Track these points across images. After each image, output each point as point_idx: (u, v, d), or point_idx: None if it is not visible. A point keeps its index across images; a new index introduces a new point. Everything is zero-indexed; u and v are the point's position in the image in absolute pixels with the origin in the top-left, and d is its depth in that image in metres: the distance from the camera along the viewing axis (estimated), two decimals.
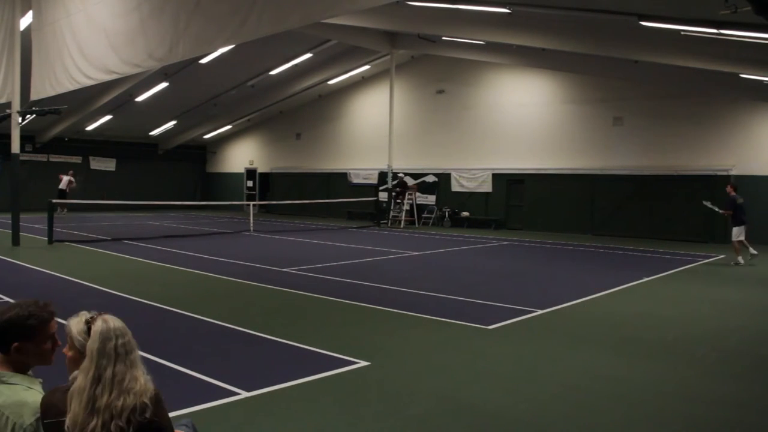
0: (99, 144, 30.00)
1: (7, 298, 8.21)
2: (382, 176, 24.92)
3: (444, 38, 19.80)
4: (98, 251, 14.01)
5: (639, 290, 10.06)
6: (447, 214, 23.75)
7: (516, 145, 22.38)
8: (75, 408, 2.12)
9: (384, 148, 23.66)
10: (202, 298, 8.85)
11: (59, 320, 2.42)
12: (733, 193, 13.76)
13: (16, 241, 14.56)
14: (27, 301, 2.37)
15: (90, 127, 28.23)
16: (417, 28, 18.73)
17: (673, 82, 17.78)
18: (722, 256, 14.82)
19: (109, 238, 16.58)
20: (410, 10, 16.46)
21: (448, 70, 23.76)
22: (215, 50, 18.53)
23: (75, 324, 2.27)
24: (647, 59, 15.26)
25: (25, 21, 15.33)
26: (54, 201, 16.46)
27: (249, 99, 27.85)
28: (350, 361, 5.74)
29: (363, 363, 5.68)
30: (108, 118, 27.01)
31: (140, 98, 24.95)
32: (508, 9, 13.93)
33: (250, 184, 32.54)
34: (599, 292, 9.67)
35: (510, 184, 22.58)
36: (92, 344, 2.16)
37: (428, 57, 24.02)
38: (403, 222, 23.41)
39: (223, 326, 7.06)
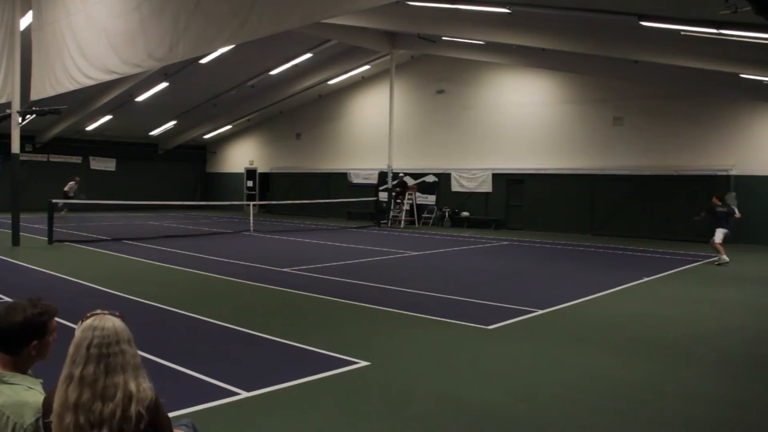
0: (99, 144, 30.00)
1: (7, 298, 8.21)
2: (382, 176, 24.92)
3: (444, 38, 19.79)
4: (98, 251, 14.01)
5: (639, 290, 10.06)
6: (447, 214, 23.75)
7: (516, 145, 22.38)
8: (55, 402, 2.13)
9: (384, 148, 23.66)
10: (202, 298, 8.85)
11: (58, 320, 2.44)
12: (719, 202, 14.35)
13: (16, 241, 14.56)
14: (27, 300, 2.38)
15: (90, 127, 28.24)
16: (417, 28, 18.73)
17: (673, 82, 17.78)
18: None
19: (109, 238, 16.58)
20: (410, 10, 16.45)
21: (448, 70, 23.76)
22: (215, 50, 18.53)
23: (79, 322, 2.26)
24: (647, 59, 15.26)
25: (25, 21, 15.33)
26: (55, 200, 16.50)
27: (249, 99, 27.85)
28: (350, 361, 5.74)
29: (363, 363, 5.68)
30: (108, 118, 27.01)
31: (140, 98, 24.95)
32: (508, 9, 13.93)
33: (250, 184, 32.54)
34: (599, 292, 9.66)
35: (510, 184, 22.58)
36: (73, 340, 2.15)
37: (428, 57, 24.02)
38: (403, 222, 23.41)
39: (223, 326, 7.06)
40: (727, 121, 18.36)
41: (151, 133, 30.70)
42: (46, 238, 14.99)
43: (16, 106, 14.87)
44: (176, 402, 4.42)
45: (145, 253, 13.56)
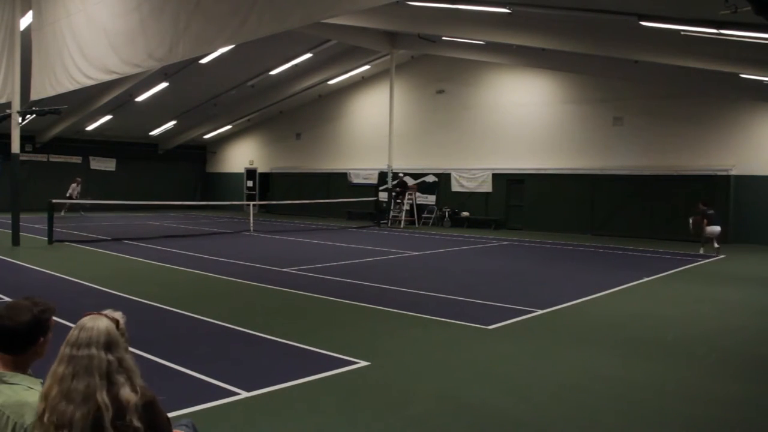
0: (99, 144, 29.99)
1: (7, 298, 8.21)
2: (382, 176, 24.92)
3: (444, 38, 19.79)
4: (98, 251, 14.01)
5: (639, 290, 10.05)
6: (447, 214, 23.75)
7: (516, 145, 22.38)
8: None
9: (384, 148, 23.66)
10: (202, 298, 8.85)
11: (55, 318, 2.45)
12: (703, 207, 15.57)
13: (16, 241, 14.56)
14: (26, 300, 2.39)
15: (90, 127, 28.23)
16: (417, 28, 18.73)
17: (673, 82, 17.78)
18: (722, 256, 14.82)
19: (109, 238, 16.58)
20: (410, 10, 16.45)
21: (448, 70, 23.76)
22: (215, 50, 18.53)
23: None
24: (647, 59, 15.26)
25: (25, 21, 15.33)
26: (56, 201, 16.57)
27: (249, 99, 27.85)
28: (350, 361, 5.74)
29: (363, 363, 5.68)
30: (108, 118, 27.01)
31: (140, 98, 24.95)
32: (508, 9, 13.93)
33: (250, 184, 32.54)
34: (599, 292, 9.66)
35: (510, 184, 22.57)
36: (67, 338, 2.14)
37: (428, 57, 24.02)
38: (403, 222, 23.41)
39: (223, 326, 7.06)
40: (727, 121, 18.36)
41: (151, 133, 30.69)
42: (46, 238, 14.99)
43: (16, 106, 14.87)
44: (176, 402, 4.42)
45: (145, 253, 13.56)
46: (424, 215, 24.41)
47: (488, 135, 23.13)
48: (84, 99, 23.18)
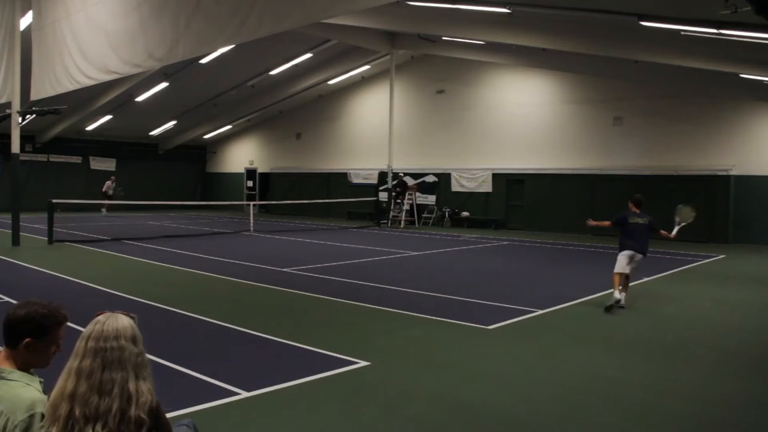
0: (99, 144, 29.99)
1: (7, 298, 8.21)
2: (382, 176, 24.92)
3: (444, 38, 19.79)
4: (98, 251, 14.01)
5: (639, 290, 10.05)
6: (447, 214, 23.75)
7: (516, 145, 22.38)
8: (51, 393, 2.12)
9: (384, 148, 23.65)
10: (202, 298, 8.85)
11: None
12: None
13: (16, 241, 14.56)
14: (42, 301, 2.41)
15: (90, 127, 28.24)
16: (417, 28, 18.73)
17: (673, 82, 17.78)
18: (722, 256, 14.82)
19: (109, 238, 16.58)
20: (410, 10, 16.45)
21: (448, 70, 23.75)
22: (215, 50, 18.53)
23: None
24: (647, 59, 15.26)
25: (25, 21, 15.32)
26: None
27: (249, 99, 27.84)
28: (350, 361, 5.74)
29: (363, 363, 5.68)
30: (108, 118, 27.01)
31: (140, 98, 24.94)
32: (508, 9, 13.93)
33: (250, 184, 32.54)
34: (599, 292, 9.66)
35: (510, 184, 22.57)
36: (83, 333, 2.15)
37: (428, 57, 24.01)
38: (403, 222, 23.40)
39: (224, 326, 7.06)
40: (727, 121, 18.36)
41: (151, 133, 30.69)
42: (46, 238, 14.99)
43: (16, 106, 14.87)
44: (176, 402, 4.42)
45: (145, 253, 13.56)
46: (424, 215, 24.41)
47: (488, 135, 23.13)
48: (84, 99, 23.17)
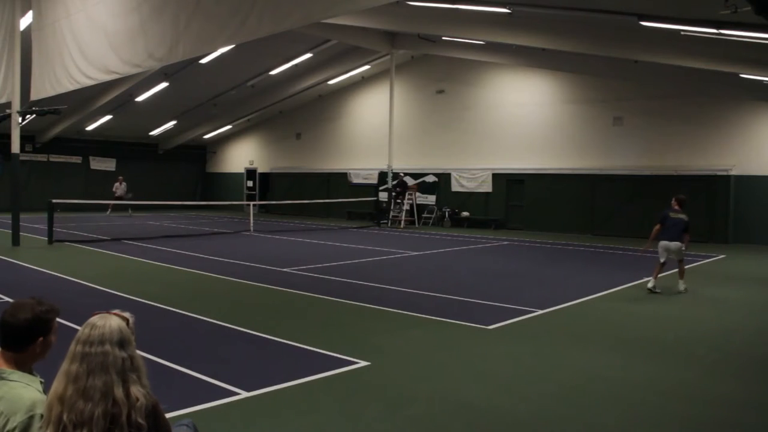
0: (99, 144, 29.99)
1: (7, 298, 8.21)
2: (382, 176, 24.92)
3: (444, 38, 19.78)
4: (98, 251, 14.01)
5: (639, 290, 10.05)
6: (447, 214, 23.75)
7: (516, 145, 22.38)
8: (48, 393, 2.13)
9: (384, 148, 23.65)
10: (202, 298, 8.85)
11: (58, 320, 2.46)
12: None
13: (16, 241, 14.56)
14: (31, 299, 2.43)
15: (90, 127, 28.24)
16: (417, 28, 18.73)
17: (673, 82, 17.78)
18: (722, 256, 14.82)
19: (109, 238, 16.58)
20: (410, 10, 16.45)
21: (448, 70, 23.75)
22: (215, 50, 18.53)
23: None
24: (647, 59, 15.25)
25: (25, 21, 15.32)
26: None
27: (249, 99, 27.84)
28: (350, 361, 5.74)
29: (363, 363, 5.68)
30: (108, 118, 27.01)
31: (140, 98, 24.94)
32: (508, 9, 13.93)
33: (250, 184, 32.54)
34: (599, 292, 9.66)
35: (510, 184, 22.57)
36: (76, 335, 2.15)
37: (428, 57, 24.01)
38: (403, 222, 23.40)
39: (223, 326, 7.06)
40: (727, 121, 18.36)
41: (151, 133, 30.69)
42: (46, 238, 14.99)
43: (16, 106, 14.87)
44: (176, 402, 4.42)
45: (145, 253, 13.56)
46: (424, 215, 24.41)
47: (488, 135, 23.13)
48: (84, 99, 23.17)
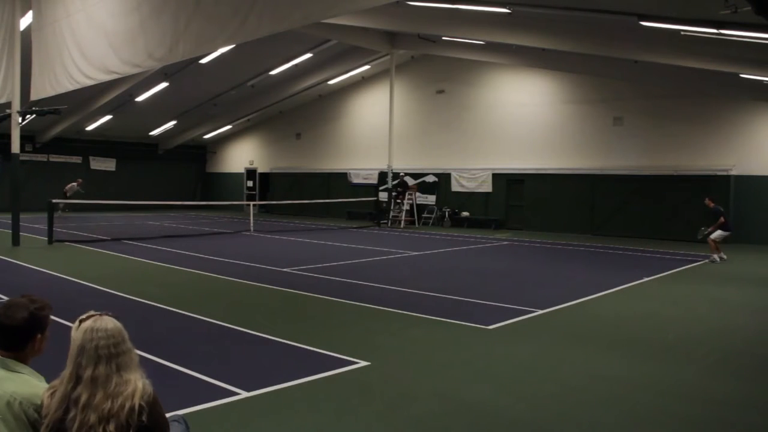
0: (99, 144, 30.00)
1: (7, 299, 8.20)
2: (382, 176, 24.92)
3: (444, 38, 19.79)
4: (98, 251, 14.01)
5: (639, 290, 10.05)
6: (447, 214, 23.75)
7: (516, 145, 22.38)
8: (47, 402, 2.16)
9: (384, 148, 23.66)
10: (202, 298, 8.85)
11: (55, 318, 2.46)
12: (713, 205, 14.23)
13: (16, 241, 14.56)
14: (23, 298, 2.44)
15: (90, 127, 28.24)
16: (417, 28, 18.73)
17: (673, 82, 17.78)
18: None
19: (109, 238, 16.58)
20: (410, 10, 16.45)
21: (448, 70, 23.75)
22: (215, 50, 18.52)
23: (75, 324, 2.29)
24: (647, 59, 15.26)
25: (25, 21, 15.32)
26: (55, 200, 16.59)
27: (249, 99, 27.85)
28: (350, 361, 5.74)
29: (363, 363, 5.68)
30: (108, 118, 27.01)
31: (140, 98, 24.95)
32: (508, 9, 13.93)
33: (250, 184, 32.54)
34: (599, 292, 9.66)
35: (510, 184, 22.57)
36: (74, 342, 2.18)
37: (428, 57, 24.01)
38: (403, 222, 23.40)
39: (223, 326, 7.06)
40: (727, 121, 18.36)
41: (151, 133, 30.69)
42: (46, 238, 14.99)
43: (16, 106, 14.87)
44: (176, 402, 4.42)
45: (145, 253, 13.56)
46: (424, 215, 24.41)
47: (488, 135, 23.13)
48: (84, 99, 23.17)
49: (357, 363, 5.68)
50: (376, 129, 25.72)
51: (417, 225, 23.81)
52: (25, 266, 11.50)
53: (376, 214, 23.91)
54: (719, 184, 18.02)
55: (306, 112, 29.44)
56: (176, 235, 17.93)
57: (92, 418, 2.07)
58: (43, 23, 14.23)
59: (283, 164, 30.65)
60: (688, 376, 5.62)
